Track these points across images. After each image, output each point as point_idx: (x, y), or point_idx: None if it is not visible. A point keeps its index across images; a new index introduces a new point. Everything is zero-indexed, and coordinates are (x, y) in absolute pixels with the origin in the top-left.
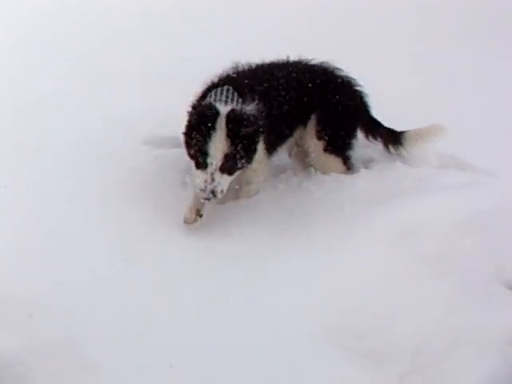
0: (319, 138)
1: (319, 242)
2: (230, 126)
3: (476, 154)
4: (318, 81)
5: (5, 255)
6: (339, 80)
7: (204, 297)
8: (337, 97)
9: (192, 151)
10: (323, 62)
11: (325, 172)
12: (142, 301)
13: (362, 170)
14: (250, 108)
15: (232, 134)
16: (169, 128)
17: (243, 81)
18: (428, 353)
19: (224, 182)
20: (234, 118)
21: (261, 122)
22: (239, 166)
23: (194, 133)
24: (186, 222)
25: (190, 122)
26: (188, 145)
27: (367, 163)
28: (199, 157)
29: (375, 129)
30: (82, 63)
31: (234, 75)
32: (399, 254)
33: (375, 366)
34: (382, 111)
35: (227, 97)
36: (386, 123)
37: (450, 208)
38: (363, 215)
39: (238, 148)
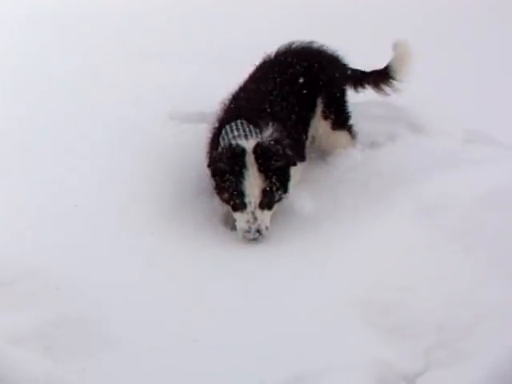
0: (326, 118)
1: (344, 217)
2: (260, 161)
3: (501, 129)
4: (313, 66)
5: (32, 230)
6: (324, 57)
7: (230, 270)
8: (331, 74)
9: (226, 195)
10: (304, 44)
11: (334, 149)
12: (167, 277)
13: (387, 145)
14: (270, 134)
15: (264, 168)
16: (194, 103)
17: (249, 108)
18: (453, 327)
19: (266, 217)
20: (262, 151)
21: (286, 144)
22: (277, 198)
23: (225, 177)
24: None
25: (216, 167)
26: (220, 190)
27: (392, 138)
28: (235, 199)
29: (361, 78)
30: (111, 39)
31: (237, 105)
32: (424, 229)
33: (400, 341)
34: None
35: (244, 131)
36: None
37: (475, 182)
38: (388, 190)
39: (273, 180)
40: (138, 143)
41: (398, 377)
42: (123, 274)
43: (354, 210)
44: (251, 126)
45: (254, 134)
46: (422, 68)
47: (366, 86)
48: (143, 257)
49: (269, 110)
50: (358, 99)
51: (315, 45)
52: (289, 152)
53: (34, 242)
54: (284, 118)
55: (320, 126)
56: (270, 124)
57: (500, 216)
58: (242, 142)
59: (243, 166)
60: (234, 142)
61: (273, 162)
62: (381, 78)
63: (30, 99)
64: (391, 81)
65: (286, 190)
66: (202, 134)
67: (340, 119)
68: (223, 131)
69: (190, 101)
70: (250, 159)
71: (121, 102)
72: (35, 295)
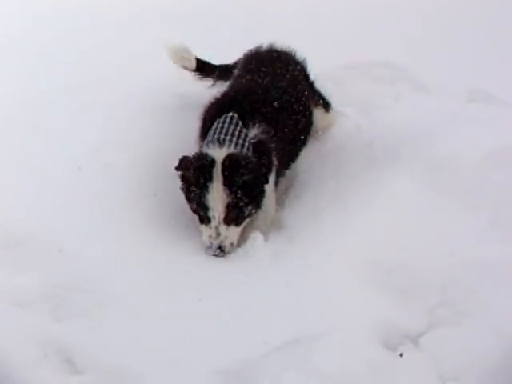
0: (316, 105)
1: (348, 179)
2: (226, 173)
3: (505, 88)
4: (290, 61)
5: (35, 193)
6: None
7: None
8: (302, 70)
9: (193, 205)
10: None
11: (328, 128)
12: (172, 239)
13: (391, 106)
14: (254, 136)
15: (229, 182)
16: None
17: (246, 101)
18: (457, 287)
19: (232, 234)
20: (230, 164)
21: (268, 151)
22: (246, 214)
23: (191, 186)
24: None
25: (183, 174)
26: (188, 199)
27: (395, 99)
28: (200, 211)
29: None
30: None
31: (234, 94)
32: (428, 189)
33: (404, 301)
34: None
35: (226, 133)
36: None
37: (480, 141)
38: (392, 150)
39: (239, 196)
40: (146, 103)
41: (401, 336)
42: (127, 236)
43: (357, 172)
44: (240, 123)
45: (234, 139)
46: (425, 27)
47: None
48: (147, 219)
49: (266, 104)
50: (358, 59)
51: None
52: (265, 165)
53: (36, 204)
54: (281, 122)
55: (316, 114)
56: (259, 123)
57: (505, 175)
58: (214, 151)
59: (209, 178)
60: (205, 151)
61: (240, 176)
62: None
63: (37, 58)
64: None
65: (258, 206)
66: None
67: (325, 100)
68: (214, 125)
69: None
70: (217, 171)
71: (132, 60)
72: (39, 258)
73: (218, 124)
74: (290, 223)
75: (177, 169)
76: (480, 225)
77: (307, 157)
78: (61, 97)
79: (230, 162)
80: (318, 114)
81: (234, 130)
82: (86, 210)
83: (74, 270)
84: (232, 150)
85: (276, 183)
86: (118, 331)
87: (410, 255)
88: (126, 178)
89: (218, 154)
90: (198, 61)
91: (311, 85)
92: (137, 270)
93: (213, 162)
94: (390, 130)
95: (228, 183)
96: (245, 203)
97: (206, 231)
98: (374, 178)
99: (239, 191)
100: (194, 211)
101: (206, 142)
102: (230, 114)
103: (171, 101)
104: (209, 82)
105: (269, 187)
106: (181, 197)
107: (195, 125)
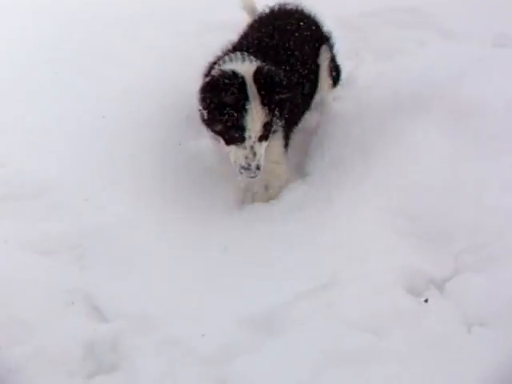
0: (331, 75)
1: (371, 126)
2: (263, 92)
3: None
4: (312, 24)
5: (59, 142)
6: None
7: None
8: (328, 34)
9: (219, 128)
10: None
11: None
12: (197, 188)
13: (416, 52)
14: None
15: (267, 100)
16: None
17: (254, 50)
18: (484, 232)
19: (263, 150)
20: (264, 80)
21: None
22: (274, 127)
23: (219, 107)
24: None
25: (208, 96)
26: (210, 122)
27: (420, 45)
28: (232, 132)
29: None
30: None
31: (240, 47)
32: (453, 135)
33: (430, 247)
34: None
35: (243, 57)
36: None
37: (506, 87)
38: (416, 97)
39: (275, 112)
40: (171, 52)
41: (426, 282)
42: (152, 186)
43: (383, 118)
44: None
45: (251, 59)
46: None
47: None
48: (172, 169)
49: (275, 57)
50: (383, 6)
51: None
52: (290, 81)
53: (61, 154)
54: (293, 75)
55: (325, 85)
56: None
57: None
58: (239, 67)
59: (244, 96)
60: (228, 68)
61: (278, 93)
62: None
63: (63, 10)
64: None
65: (284, 119)
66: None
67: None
68: (220, 61)
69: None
70: (251, 89)
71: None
72: (64, 207)
73: (227, 58)
74: (313, 172)
75: (203, 91)
76: (505, 171)
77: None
78: (84, 47)
79: (264, 78)
80: (326, 85)
81: (250, 58)
82: (110, 159)
83: (99, 219)
84: (259, 63)
85: (285, 145)
86: (144, 279)
87: (435, 202)
88: (151, 126)
89: (246, 69)
90: None
91: (332, 53)
92: (162, 220)
93: (242, 78)
94: (415, 77)
95: (266, 102)
96: (277, 118)
97: (240, 151)
98: (398, 125)
99: (276, 108)
100: (220, 133)
101: (220, 61)
102: (239, 52)
103: (196, 50)
104: None
105: (277, 147)
106: (206, 146)
107: None
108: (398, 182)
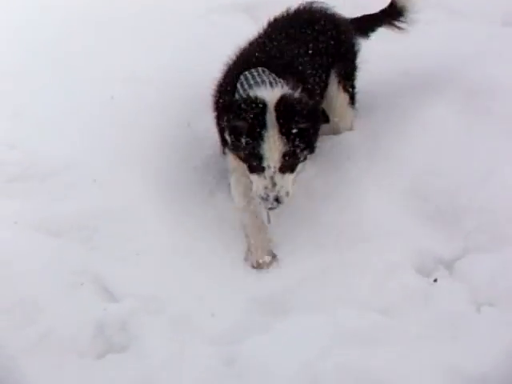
0: (345, 90)
1: (381, 105)
2: (282, 121)
3: None
4: (332, 30)
5: (68, 123)
6: (341, 22)
7: None
8: (349, 44)
9: (242, 154)
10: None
11: (347, 125)
12: (204, 169)
13: (425, 30)
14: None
15: (286, 130)
16: None
17: (270, 57)
18: (494, 212)
19: (287, 182)
20: (285, 108)
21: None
22: (301, 159)
23: (242, 134)
24: (261, 266)
25: (230, 120)
26: (235, 147)
27: (429, 24)
28: (252, 161)
29: (370, 23)
30: None
31: (256, 52)
32: (465, 114)
33: (440, 226)
34: None
35: (268, 79)
36: None
37: None
38: (426, 76)
39: (296, 143)
40: (180, 33)
41: (435, 262)
42: (161, 167)
43: (393, 98)
44: (274, 76)
45: (277, 84)
46: None
47: (377, 28)
48: (181, 149)
49: (290, 63)
50: None
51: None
52: (317, 107)
53: (70, 135)
54: (305, 76)
55: (339, 98)
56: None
57: None
58: (263, 93)
59: (263, 125)
60: (253, 93)
61: (297, 123)
62: (390, 15)
63: None
64: (402, 15)
65: (312, 150)
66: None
67: (353, 95)
68: (242, 77)
69: None
70: (270, 117)
71: None
72: (74, 187)
73: (249, 75)
74: (322, 152)
75: (227, 115)
76: None
77: None
78: (92, 28)
79: (285, 107)
80: (339, 98)
81: (274, 78)
82: (119, 140)
83: (108, 200)
84: (285, 91)
85: None
86: (154, 260)
87: (446, 181)
88: (160, 107)
89: (271, 96)
90: None
91: (352, 66)
92: (172, 201)
93: (264, 105)
94: (425, 57)
95: (285, 131)
96: (301, 149)
97: (260, 181)
98: (409, 105)
99: (296, 138)
100: (244, 160)
101: (242, 92)
102: (260, 68)
103: (206, 31)
104: None
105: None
106: (214, 128)
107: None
108: (409, 161)
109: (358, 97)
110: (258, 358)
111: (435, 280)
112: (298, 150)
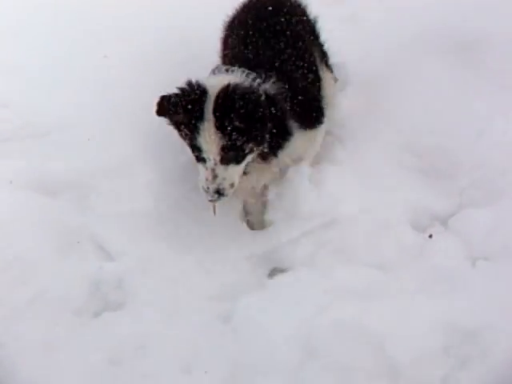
0: (328, 67)
1: (374, 60)
2: (218, 114)
3: None
4: (298, 15)
5: (63, 82)
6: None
7: None
8: (313, 22)
9: (186, 142)
10: None
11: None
12: None
13: None
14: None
15: (222, 123)
16: None
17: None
18: (488, 167)
19: (231, 174)
20: (224, 99)
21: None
22: (247, 151)
23: (180, 122)
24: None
25: (168, 113)
26: (180, 134)
27: None
28: (194, 151)
29: None
30: None
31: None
32: (458, 69)
33: (435, 182)
34: None
35: (226, 70)
36: None
37: (510, 21)
38: (423, 33)
39: (237, 136)
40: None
41: (430, 218)
42: (156, 124)
43: (389, 55)
44: (247, 72)
45: (234, 73)
46: None
47: None
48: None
49: (273, 60)
50: None
51: None
52: (276, 100)
53: (63, 95)
54: (292, 72)
55: (327, 78)
56: (274, 77)
57: None
58: (209, 80)
59: (199, 116)
60: (194, 80)
61: (237, 117)
62: None
63: None
64: None
65: (260, 143)
66: None
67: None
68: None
69: None
70: (208, 108)
71: None
72: (67, 147)
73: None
74: None
75: (158, 113)
76: (510, 106)
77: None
78: None
79: (226, 98)
80: (327, 78)
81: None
82: (113, 98)
83: (103, 159)
84: (235, 79)
85: None
86: (149, 218)
87: (440, 137)
88: (153, 65)
89: (214, 83)
90: None
91: (320, 43)
92: (167, 159)
93: (204, 94)
94: (418, 13)
95: (220, 125)
96: (244, 142)
97: (202, 172)
98: (404, 62)
99: (235, 132)
100: (190, 150)
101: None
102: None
103: None
104: None
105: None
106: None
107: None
108: (402, 118)
109: (351, 57)
110: (253, 314)
111: (430, 236)
112: (240, 143)
